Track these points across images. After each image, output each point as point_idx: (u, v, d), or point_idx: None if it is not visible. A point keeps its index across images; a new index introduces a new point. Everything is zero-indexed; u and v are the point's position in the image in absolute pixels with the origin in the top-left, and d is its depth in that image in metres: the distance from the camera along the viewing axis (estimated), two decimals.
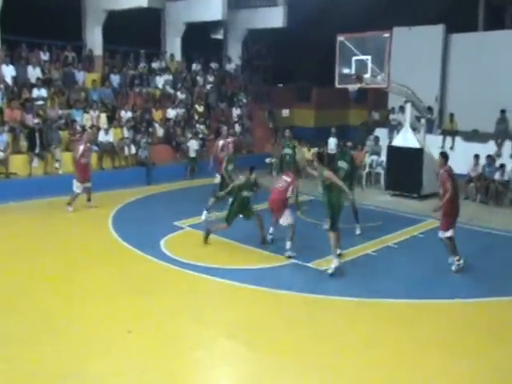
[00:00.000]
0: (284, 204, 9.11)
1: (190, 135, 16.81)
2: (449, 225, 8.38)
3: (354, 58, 12.69)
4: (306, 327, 6.67)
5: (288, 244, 9.00)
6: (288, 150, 12.60)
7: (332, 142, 16.65)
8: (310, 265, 8.67)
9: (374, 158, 15.99)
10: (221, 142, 12.56)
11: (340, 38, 13.03)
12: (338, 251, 8.52)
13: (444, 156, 8.58)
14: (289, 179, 9.26)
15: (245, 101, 20.61)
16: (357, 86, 12.93)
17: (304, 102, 24.65)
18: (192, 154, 16.36)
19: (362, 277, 8.35)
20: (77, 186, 11.89)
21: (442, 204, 8.34)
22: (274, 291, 7.67)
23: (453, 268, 8.54)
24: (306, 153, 16.45)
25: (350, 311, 7.18)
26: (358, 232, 10.35)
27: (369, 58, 12.49)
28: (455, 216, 8.46)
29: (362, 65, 12.56)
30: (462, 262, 8.54)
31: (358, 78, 12.56)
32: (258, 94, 22.06)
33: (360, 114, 22.69)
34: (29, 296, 7.40)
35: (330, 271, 8.22)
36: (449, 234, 8.39)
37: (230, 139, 13.14)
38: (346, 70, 12.96)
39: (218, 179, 11.99)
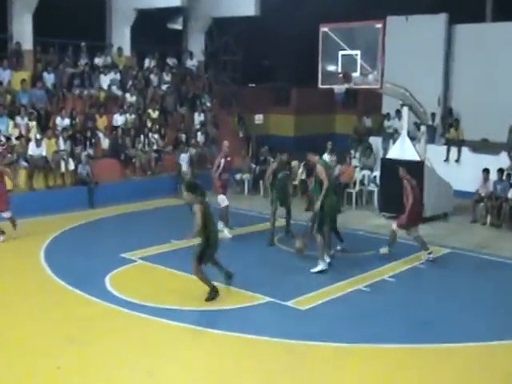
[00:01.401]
0: None
1: (186, 147, 17.39)
2: (402, 222, 10.75)
3: (341, 53, 12.93)
4: (285, 380, 6.68)
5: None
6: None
7: (327, 160, 16.64)
8: (288, 304, 8.73)
9: (366, 173, 16.26)
10: (222, 161, 12.31)
11: (324, 28, 13.27)
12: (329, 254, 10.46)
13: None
14: None
15: (209, 104, 20.72)
16: (344, 87, 13.14)
17: (281, 105, 24.94)
18: (184, 169, 16.88)
19: (352, 318, 8.44)
20: None
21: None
22: (246, 336, 7.68)
23: (427, 259, 10.70)
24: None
25: (337, 359, 7.24)
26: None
27: (358, 52, 12.72)
28: (413, 219, 10.81)
29: (350, 61, 12.79)
30: (432, 254, 10.73)
31: (346, 77, 12.79)
32: (226, 96, 22.23)
33: (349, 120, 23.04)
34: None
35: (312, 270, 9.92)
36: (395, 227, 10.83)
37: (229, 157, 12.76)
38: (331, 68, 13.20)
39: (225, 202, 12.23)
